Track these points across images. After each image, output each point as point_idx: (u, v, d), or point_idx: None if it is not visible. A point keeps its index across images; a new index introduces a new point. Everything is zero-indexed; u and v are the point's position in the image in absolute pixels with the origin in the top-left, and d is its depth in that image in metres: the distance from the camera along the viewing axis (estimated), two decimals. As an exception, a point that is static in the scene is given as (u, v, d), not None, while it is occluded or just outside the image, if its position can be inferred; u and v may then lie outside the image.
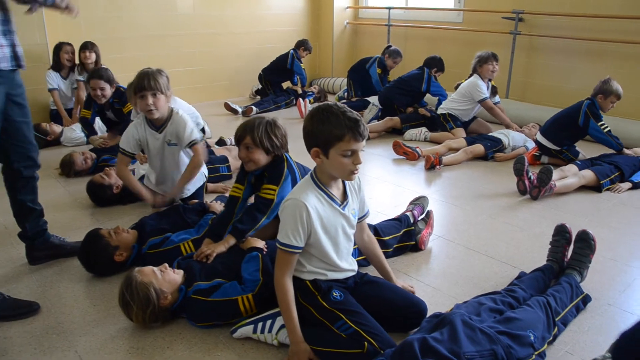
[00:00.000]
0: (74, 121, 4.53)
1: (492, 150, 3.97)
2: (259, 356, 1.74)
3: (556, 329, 1.77)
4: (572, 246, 2.19)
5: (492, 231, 2.72)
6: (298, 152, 2.15)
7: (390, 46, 5.62)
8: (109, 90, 3.63)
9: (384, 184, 3.47)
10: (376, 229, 2.32)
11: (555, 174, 3.17)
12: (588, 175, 3.26)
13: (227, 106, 5.48)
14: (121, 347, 1.80)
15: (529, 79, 5.21)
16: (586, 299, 2.00)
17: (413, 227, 2.46)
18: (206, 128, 4.17)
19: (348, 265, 1.83)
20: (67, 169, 3.52)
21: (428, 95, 4.92)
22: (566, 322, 1.86)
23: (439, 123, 4.49)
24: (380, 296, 1.82)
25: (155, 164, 2.76)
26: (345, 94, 5.88)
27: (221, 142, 4.00)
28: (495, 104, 4.42)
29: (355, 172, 1.64)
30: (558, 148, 3.65)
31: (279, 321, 1.76)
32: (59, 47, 4.49)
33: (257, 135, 2.12)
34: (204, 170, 2.88)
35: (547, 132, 3.68)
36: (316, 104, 1.50)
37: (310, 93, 6.08)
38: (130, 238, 2.27)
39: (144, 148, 2.70)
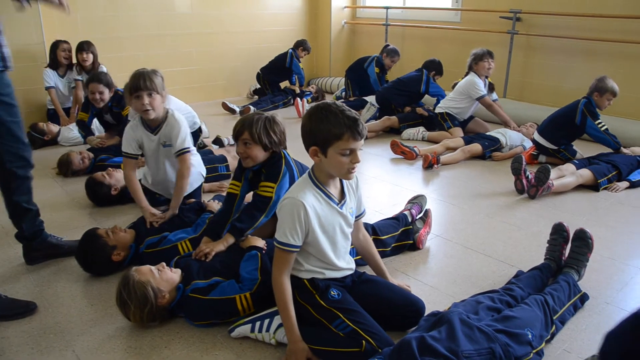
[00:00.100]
0: (71, 120, 4.51)
1: (490, 149, 3.97)
2: (257, 355, 1.74)
3: (554, 327, 1.77)
4: (569, 245, 2.20)
5: (490, 230, 2.72)
6: (296, 152, 2.15)
7: (388, 45, 5.63)
8: (107, 95, 3.62)
9: (382, 183, 3.47)
10: (374, 228, 2.32)
11: (553, 173, 3.17)
12: (586, 174, 3.27)
13: (225, 106, 5.47)
14: (119, 346, 1.79)
15: (526, 78, 5.22)
16: (584, 298, 2.00)
17: (411, 226, 2.46)
18: (203, 127, 4.16)
19: (346, 264, 1.83)
20: (65, 168, 3.51)
21: (426, 96, 4.92)
22: (564, 321, 1.86)
23: (436, 122, 4.49)
24: (378, 295, 1.82)
25: (152, 164, 2.75)
26: (343, 93, 5.88)
27: (217, 141, 3.99)
28: (493, 101, 4.43)
29: (353, 171, 1.64)
30: (555, 147, 3.66)
31: (277, 320, 1.76)
32: (55, 45, 4.47)
33: (256, 131, 2.11)
34: (201, 170, 2.87)
35: (545, 131, 3.68)
36: (314, 104, 1.50)
37: (308, 93, 6.08)
38: (128, 237, 2.27)
39: (141, 149, 2.70)
